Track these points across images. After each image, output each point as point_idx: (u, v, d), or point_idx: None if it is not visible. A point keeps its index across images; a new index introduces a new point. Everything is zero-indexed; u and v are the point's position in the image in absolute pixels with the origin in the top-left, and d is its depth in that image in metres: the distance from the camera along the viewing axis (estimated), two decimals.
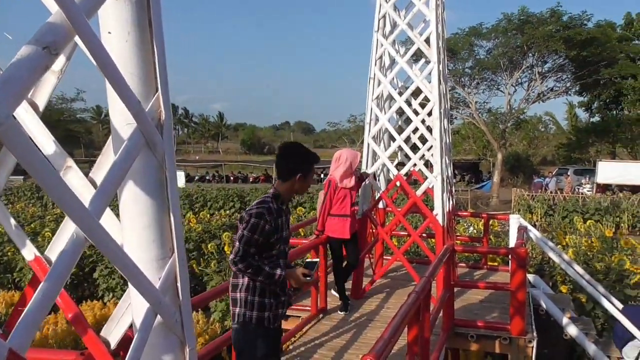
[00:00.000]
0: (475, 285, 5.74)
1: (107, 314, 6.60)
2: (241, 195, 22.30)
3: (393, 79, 5.94)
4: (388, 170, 6.23)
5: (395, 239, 7.97)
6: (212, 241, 8.99)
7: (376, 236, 6.27)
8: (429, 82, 5.53)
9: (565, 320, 5.44)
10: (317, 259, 3.04)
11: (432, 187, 5.50)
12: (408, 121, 6.07)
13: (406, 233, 6.95)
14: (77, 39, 0.88)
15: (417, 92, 5.94)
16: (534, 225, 12.96)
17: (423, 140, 5.87)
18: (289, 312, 5.09)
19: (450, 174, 6.34)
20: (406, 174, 6.05)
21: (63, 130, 40.33)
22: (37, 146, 1.16)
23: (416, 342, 3.07)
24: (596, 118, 36.55)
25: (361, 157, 5.49)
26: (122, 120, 1.14)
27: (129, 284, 1.15)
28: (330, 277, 5.42)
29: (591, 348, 5.23)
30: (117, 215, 1.25)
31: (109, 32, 1.10)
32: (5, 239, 9.61)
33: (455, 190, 8.46)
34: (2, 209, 1.39)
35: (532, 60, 27.27)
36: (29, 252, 1.40)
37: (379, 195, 5.99)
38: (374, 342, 2.43)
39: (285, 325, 4.89)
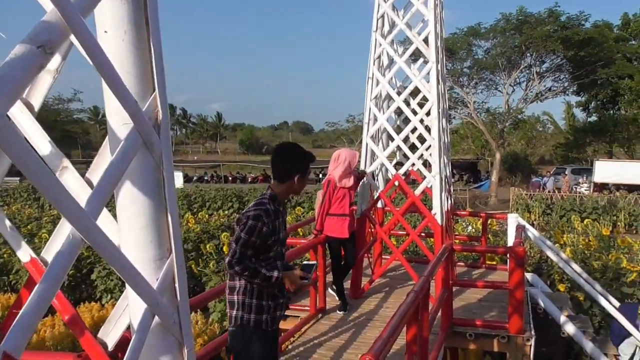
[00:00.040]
0: (474, 284, 5.74)
1: (106, 315, 6.58)
2: (240, 195, 22.27)
3: (391, 78, 5.94)
4: (387, 169, 6.23)
5: (394, 238, 7.97)
6: (211, 241, 8.98)
7: (375, 236, 6.27)
8: (428, 81, 5.53)
9: (563, 318, 5.46)
10: (315, 262, 3.03)
11: (431, 186, 5.50)
12: (406, 121, 6.07)
13: (405, 232, 6.95)
14: (72, 38, 0.87)
15: (415, 92, 5.94)
16: (532, 224, 12.97)
17: (421, 139, 5.86)
18: (287, 312, 5.10)
19: (448, 174, 6.34)
20: (405, 174, 6.05)
21: (60, 131, 40.22)
22: (32, 147, 1.16)
23: (415, 341, 3.06)
24: (593, 118, 36.65)
25: (360, 156, 5.49)
26: (119, 120, 1.13)
27: (126, 285, 1.14)
28: (329, 277, 5.41)
29: (588, 346, 5.24)
30: (114, 215, 1.25)
31: (105, 31, 1.09)
32: (1, 241, 9.57)
33: (453, 190, 8.47)
34: None
35: (530, 60, 27.33)
36: (24, 253, 1.39)
37: (377, 194, 5.99)
38: (373, 341, 2.42)
39: (284, 325, 4.88)
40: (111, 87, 0.99)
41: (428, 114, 5.60)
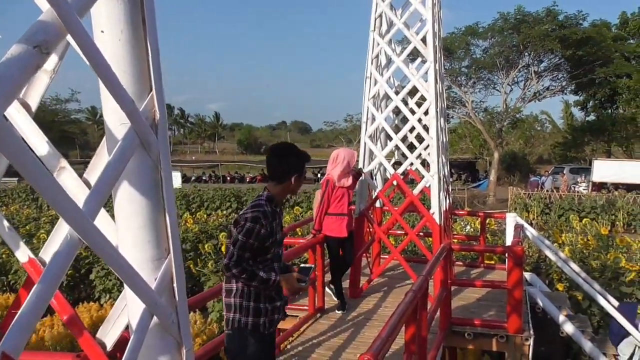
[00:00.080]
0: (472, 283, 5.75)
1: (104, 315, 6.57)
2: (238, 195, 22.26)
3: (389, 78, 5.94)
4: (385, 169, 6.23)
5: (393, 238, 7.98)
6: (209, 241, 8.97)
7: (373, 235, 6.27)
8: (426, 81, 5.53)
9: (561, 318, 5.46)
10: (312, 265, 3.02)
11: (429, 186, 5.51)
12: (405, 120, 6.07)
13: (403, 232, 6.96)
14: (69, 37, 0.87)
15: (413, 91, 5.94)
16: (531, 224, 12.99)
17: (420, 139, 5.87)
18: (287, 312, 5.09)
19: (447, 173, 6.34)
20: (403, 173, 6.05)
21: (58, 132, 40.11)
22: (29, 147, 1.15)
23: (414, 340, 3.07)
24: (592, 117, 36.73)
25: (358, 156, 5.49)
26: (116, 120, 1.13)
27: (124, 285, 1.14)
28: (327, 277, 5.41)
29: (587, 345, 5.25)
30: (112, 216, 1.24)
31: (102, 31, 1.09)
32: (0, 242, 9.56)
33: (452, 189, 8.48)
34: None
35: (528, 59, 27.38)
36: (22, 254, 1.39)
37: (376, 194, 5.99)
38: (372, 341, 2.42)
39: (283, 324, 4.87)
40: (108, 87, 0.99)
41: (426, 113, 5.61)
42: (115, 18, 1.08)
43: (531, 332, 4.63)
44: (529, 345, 4.53)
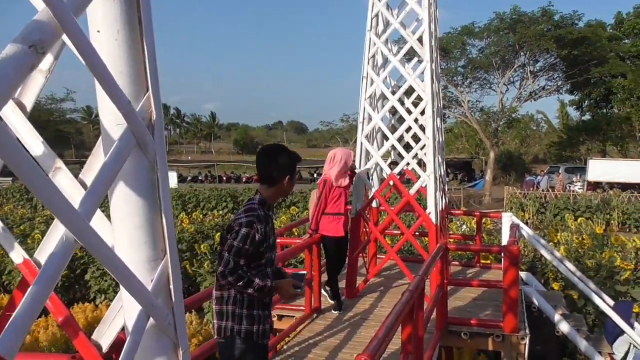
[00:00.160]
0: (469, 283, 5.76)
1: (100, 316, 6.54)
2: (234, 195, 22.24)
3: (386, 78, 5.94)
4: (381, 169, 6.24)
5: (389, 237, 7.99)
6: (205, 241, 8.95)
7: (369, 235, 6.27)
8: (422, 80, 5.54)
9: (557, 317, 5.49)
10: (305, 271, 2.99)
11: (425, 185, 5.52)
12: (401, 120, 6.08)
13: (399, 232, 6.96)
14: (64, 37, 0.86)
15: (409, 91, 5.95)
16: (526, 223, 13.06)
17: (416, 139, 5.88)
18: (283, 312, 5.10)
19: (443, 173, 6.36)
20: (399, 173, 6.06)
21: (53, 131, 39.96)
22: (24, 147, 1.14)
23: (410, 340, 3.07)
24: (587, 116, 36.95)
25: (354, 156, 5.49)
26: (112, 121, 1.12)
27: (120, 286, 1.13)
28: (324, 277, 5.41)
29: (583, 344, 5.27)
30: (108, 216, 1.24)
31: (98, 31, 1.09)
32: None
33: (448, 189, 8.49)
34: None
35: (524, 59, 27.51)
36: (17, 254, 1.38)
37: (372, 194, 6.00)
38: (368, 341, 2.43)
39: (279, 325, 4.88)
40: (104, 87, 0.98)
41: (422, 113, 5.61)
42: (112, 18, 1.07)
43: (527, 331, 4.65)
44: (525, 344, 4.55)
